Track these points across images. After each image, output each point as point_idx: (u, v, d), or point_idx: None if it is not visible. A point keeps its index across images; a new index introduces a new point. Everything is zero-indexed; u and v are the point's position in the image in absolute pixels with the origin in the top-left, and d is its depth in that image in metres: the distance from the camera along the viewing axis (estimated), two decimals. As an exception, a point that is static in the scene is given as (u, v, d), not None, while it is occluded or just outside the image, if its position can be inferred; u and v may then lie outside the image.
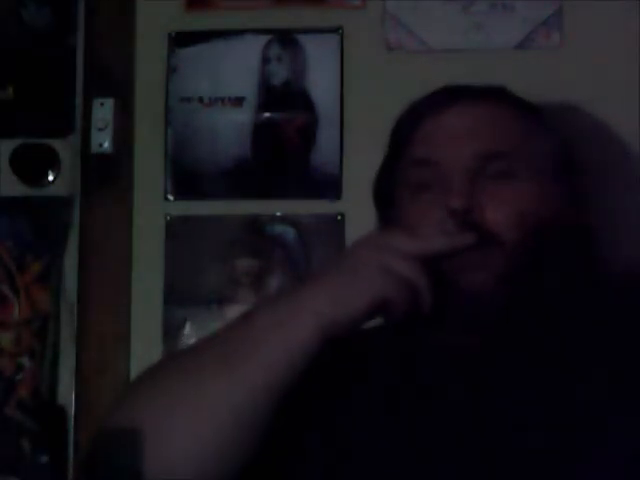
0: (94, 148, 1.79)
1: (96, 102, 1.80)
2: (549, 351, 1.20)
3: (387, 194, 1.34)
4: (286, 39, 1.81)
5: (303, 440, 1.22)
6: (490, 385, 1.19)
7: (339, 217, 1.77)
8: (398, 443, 1.18)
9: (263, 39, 1.81)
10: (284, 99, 1.81)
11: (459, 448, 1.16)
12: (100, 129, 1.79)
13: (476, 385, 1.19)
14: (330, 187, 1.77)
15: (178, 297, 1.79)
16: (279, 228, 1.78)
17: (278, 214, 1.78)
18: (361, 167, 1.73)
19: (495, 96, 1.33)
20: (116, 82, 1.82)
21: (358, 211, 1.73)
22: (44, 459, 1.75)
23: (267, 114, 1.80)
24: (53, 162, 1.82)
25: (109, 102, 1.80)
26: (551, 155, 1.30)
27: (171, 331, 1.78)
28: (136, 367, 1.77)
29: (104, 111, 1.80)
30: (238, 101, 1.81)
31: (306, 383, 1.16)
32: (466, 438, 1.16)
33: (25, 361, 1.80)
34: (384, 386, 1.23)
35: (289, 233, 1.78)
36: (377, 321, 1.26)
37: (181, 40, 1.83)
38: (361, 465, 1.19)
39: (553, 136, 1.32)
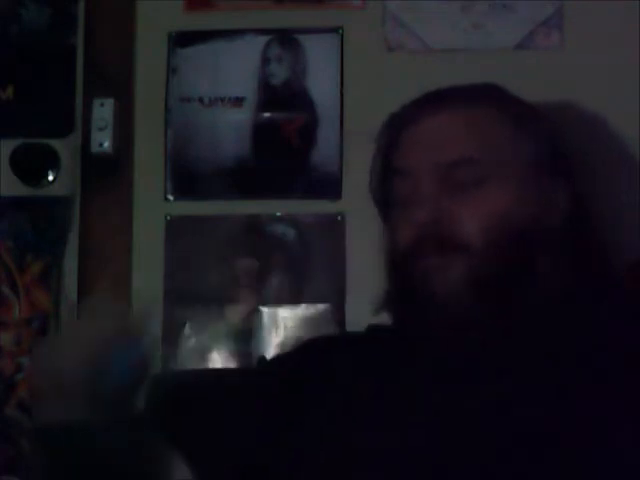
0: (94, 148, 1.79)
1: (96, 102, 1.80)
2: (516, 354, 1.20)
3: (381, 202, 1.35)
4: (286, 39, 1.81)
5: (294, 444, 1.22)
6: (461, 382, 1.20)
7: (339, 217, 1.77)
8: (371, 442, 1.19)
9: (263, 39, 1.81)
10: (284, 99, 1.81)
11: (430, 443, 1.16)
12: (100, 129, 1.79)
13: (448, 382, 1.20)
14: (330, 187, 1.78)
15: (178, 297, 1.79)
16: (279, 228, 1.78)
17: (278, 214, 1.79)
18: (361, 167, 1.72)
19: (482, 96, 1.32)
20: (116, 82, 1.82)
21: (358, 211, 1.74)
22: (44, 459, 1.75)
23: (267, 114, 1.80)
24: (53, 162, 1.82)
25: (109, 102, 1.80)
26: (532, 156, 1.28)
27: (171, 331, 1.78)
28: (136, 367, 1.77)
29: (104, 111, 1.80)
30: (238, 101, 1.81)
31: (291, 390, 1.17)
32: (441, 436, 1.17)
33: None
34: (365, 388, 1.24)
35: (289, 233, 1.78)
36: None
37: (181, 40, 1.83)
38: (351, 465, 1.19)
39: (537, 137, 1.31)
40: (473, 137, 1.27)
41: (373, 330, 1.34)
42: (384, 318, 1.34)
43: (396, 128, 1.32)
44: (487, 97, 1.32)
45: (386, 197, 1.33)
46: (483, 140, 1.27)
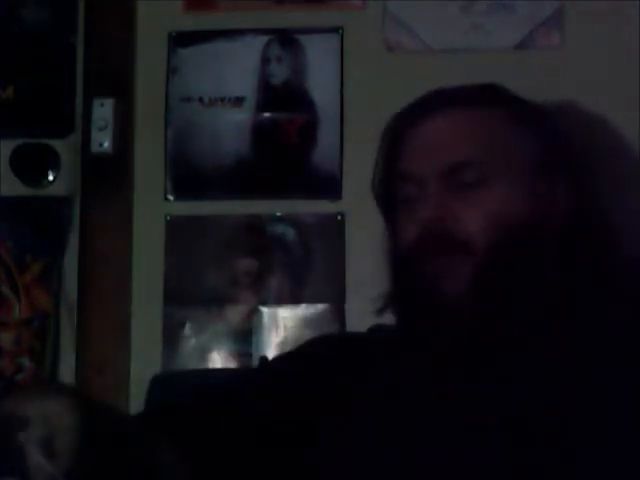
0: (94, 148, 1.79)
1: (96, 102, 1.80)
2: (518, 353, 1.21)
3: (385, 204, 1.35)
4: (286, 39, 1.81)
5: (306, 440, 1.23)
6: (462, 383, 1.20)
7: (339, 217, 1.77)
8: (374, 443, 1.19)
9: (263, 39, 1.81)
10: (284, 99, 1.81)
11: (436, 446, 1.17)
12: (100, 129, 1.79)
13: (453, 383, 1.20)
14: (330, 187, 1.78)
15: (178, 297, 1.79)
16: (279, 228, 1.78)
17: (278, 214, 1.79)
18: (361, 167, 1.72)
19: (484, 96, 1.32)
20: (116, 82, 1.82)
21: (358, 211, 1.74)
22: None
23: (267, 114, 1.80)
24: (53, 162, 1.82)
25: (109, 102, 1.80)
26: (534, 156, 1.29)
27: (171, 331, 1.78)
28: (136, 367, 1.77)
29: (104, 111, 1.80)
30: (238, 101, 1.81)
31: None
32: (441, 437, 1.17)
33: (25, 361, 1.80)
34: (370, 388, 1.24)
35: (289, 233, 1.78)
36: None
37: (181, 40, 1.83)
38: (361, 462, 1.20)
39: (539, 136, 1.31)
40: (474, 138, 1.27)
41: (377, 330, 1.34)
42: (384, 318, 1.35)
43: (398, 130, 1.33)
44: (488, 97, 1.32)
45: (389, 199, 1.33)
46: (484, 141, 1.27)
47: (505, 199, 1.24)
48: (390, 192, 1.33)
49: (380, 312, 1.32)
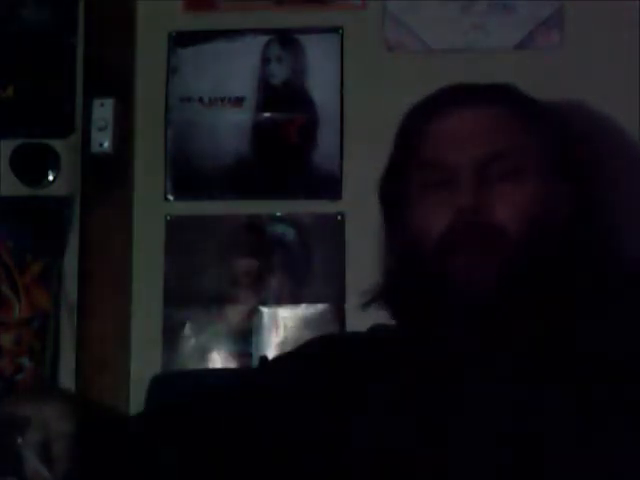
0: (94, 148, 1.79)
1: (96, 102, 1.80)
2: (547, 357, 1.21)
3: (393, 194, 1.35)
4: (286, 39, 1.81)
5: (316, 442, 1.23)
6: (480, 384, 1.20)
7: (339, 217, 1.77)
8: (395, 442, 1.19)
9: (263, 39, 1.81)
10: (284, 99, 1.81)
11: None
12: (100, 129, 1.79)
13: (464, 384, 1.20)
14: (330, 187, 1.77)
15: (178, 297, 1.79)
16: (279, 228, 1.78)
17: (278, 214, 1.79)
18: (361, 167, 1.74)
19: (500, 96, 1.34)
20: (116, 82, 1.82)
21: (358, 211, 1.74)
22: (44, 459, 1.75)
23: (267, 114, 1.80)
24: (53, 162, 1.82)
25: (109, 102, 1.80)
26: (555, 154, 1.30)
27: (171, 331, 1.78)
28: (136, 367, 1.77)
29: (104, 111, 1.79)
30: (238, 101, 1.81)
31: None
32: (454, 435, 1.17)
33: (25, 361, 1.80)
34: (374, 388, 1.24)
35: (289, 233, 1.78)
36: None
37: (181, 40, 1.83)
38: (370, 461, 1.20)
39: (552, 137, 1.32)
40: (505, 132, 1.29)
41: (377, 330, 1.34)
42: (383, 319, 1.34)
43: (419, 121, 1.33)
44: (506, 96, 1.34)
45: (405, 188, 1.33)
46: (514, 136, 1.29)
47: (532, 195, 1.26)
48: (405, 179, 1.33)
49: (367, 306, 1.32)
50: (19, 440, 1.09)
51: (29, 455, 1.10)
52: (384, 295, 1.32)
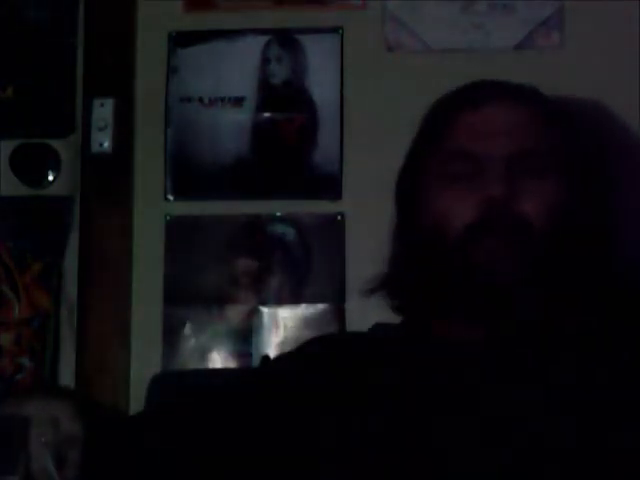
0: (94, 148, 1.79)
1: (96, 102, 1.80)
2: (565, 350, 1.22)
3: (412, 182, 1.35)
4: (286, 39, 1.81)
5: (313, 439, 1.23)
6: (493, 382, 1.20)
7: (339, 217, 1.77)
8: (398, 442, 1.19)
9: (263, 39, 1.81)
10: (284, 99, 1.81)
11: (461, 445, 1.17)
12: (100, 129, 1.79)
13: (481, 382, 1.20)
14: (330, 187, 1.77)
15: (178, 297, 1.79)
16: (279, 228, 1.78)
17: (278, 214, 1.79)
18: (361, 167, 1.74)
19: (527, 95, 1.36)
20: (116, 82, 1.82)
21: (358, 211, 1.74)
22: (44, 459, 1.75)
23: (267, 114, 1.80)
24: (53, 162, 1.82)
25: (109, 102, 1.80)
26: (578, 158, 1.33)
27: (171, 331, 1.78)
28: (136, 367, 1.77)
29: (104, 111, 1.80)
30: (238, 101, 1.81)
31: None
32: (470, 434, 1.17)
33: (25, 361, 1.80)
34: (389, 385, 1.24)
35: (289, 233, 1.78)
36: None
37: (181, 40, 1.83)
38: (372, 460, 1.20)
39: (574, 137, 1.34)
40: (535, 131, 1.32)
41: (378, 330, 1.34)
42: (383, 318, 1.34)
43: (448, 113, 1.34)
44: (533, 97, 1.36)
45: (421, 179, 1.33)
46: (543, 136, 1.32)
47: (555, 193, 1.28)
48: (429, 169, 1.33)
49: (372, 292, 1.33)
50: (33, 434, 1.09)
51: (39, 453, 1.10)
52: (389, 283, 1.32)
